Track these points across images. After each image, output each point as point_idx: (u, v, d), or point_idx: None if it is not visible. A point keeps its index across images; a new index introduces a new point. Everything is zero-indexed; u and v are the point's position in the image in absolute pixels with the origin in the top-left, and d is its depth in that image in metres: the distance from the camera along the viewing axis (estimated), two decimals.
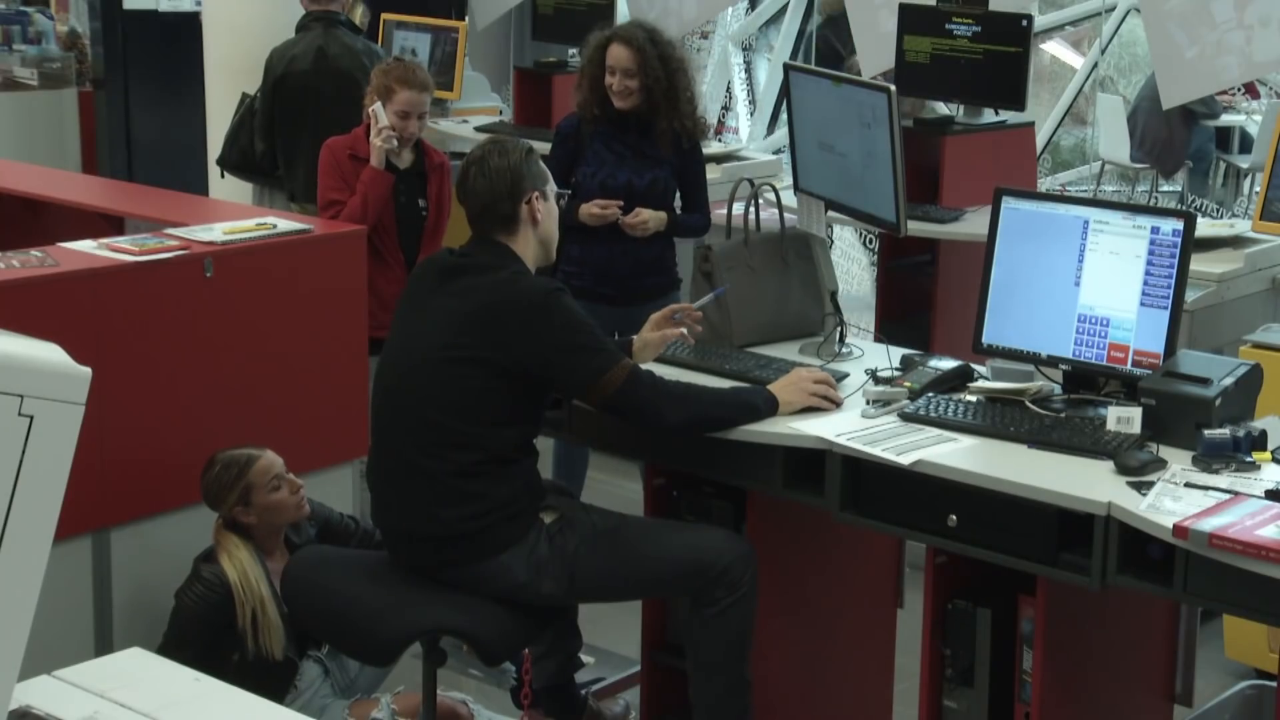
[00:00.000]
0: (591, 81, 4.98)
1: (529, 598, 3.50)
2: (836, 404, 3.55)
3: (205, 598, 3.76)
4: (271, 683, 3.68)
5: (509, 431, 3.45)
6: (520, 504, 3.48)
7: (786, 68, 4.44)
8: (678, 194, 5.09)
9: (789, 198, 4.43)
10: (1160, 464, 3.17)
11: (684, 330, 3.80)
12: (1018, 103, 5.90)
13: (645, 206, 4.94)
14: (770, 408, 3.51)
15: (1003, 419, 3.40)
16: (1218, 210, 10.60)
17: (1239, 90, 11.29)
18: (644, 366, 3.65)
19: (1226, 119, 11.40)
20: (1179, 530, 2.88)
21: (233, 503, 3.83)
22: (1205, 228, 4.95)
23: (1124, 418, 3.29)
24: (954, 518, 3.26)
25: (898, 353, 3.81)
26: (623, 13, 7.63)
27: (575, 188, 4.94)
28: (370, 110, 5.10)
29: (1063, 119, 11.73)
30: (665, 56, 4.95)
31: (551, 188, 3.62)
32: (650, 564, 3.54)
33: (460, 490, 3.42)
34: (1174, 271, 3.38)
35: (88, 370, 2.01)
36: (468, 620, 3.46)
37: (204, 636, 3.75)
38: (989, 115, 6.08)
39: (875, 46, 6.68)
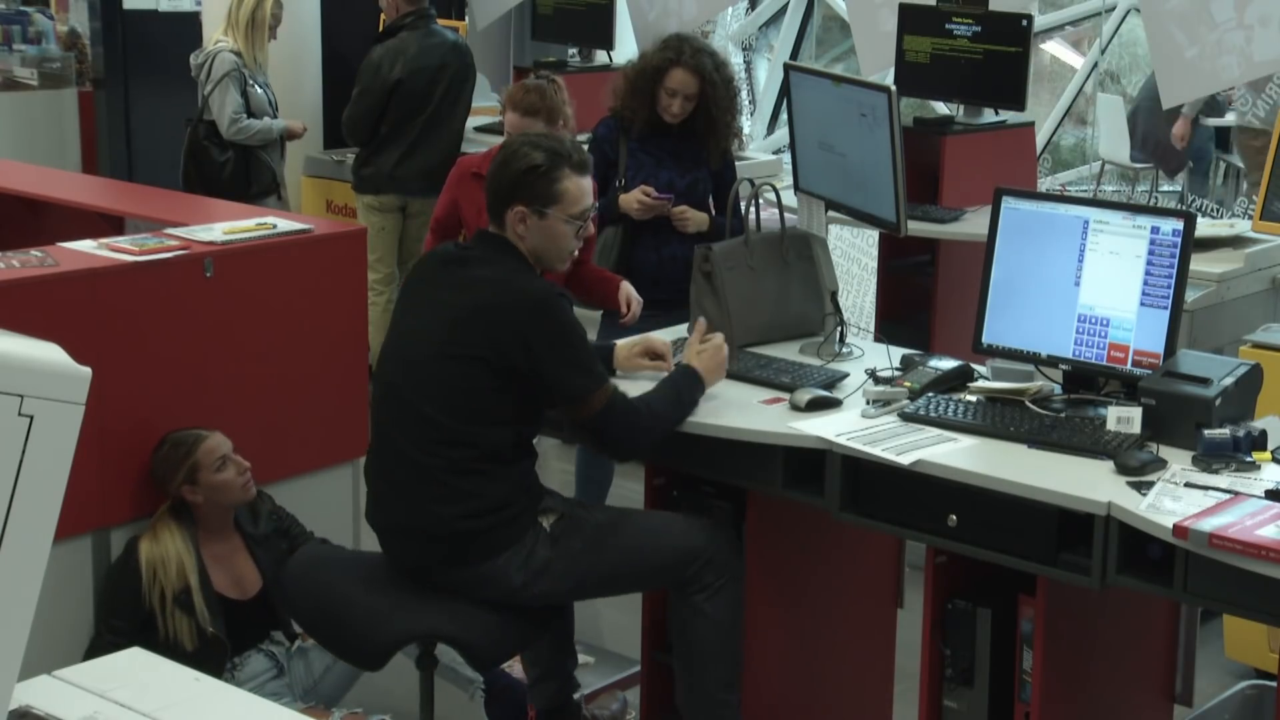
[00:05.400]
0: (643, 94, 5.07)
1: (524, 601, 3.49)
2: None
3: (116, 567, 3.83)
4: (198, 666, 3.65)
5: (505, 431, 3.44)
6: (518, 506, 3.47)
7: (787, 68, 4.44)
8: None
9: (789, 198, 4.44)
10: (1160, 464, 3.17)
11: (663, 365, 3.82)
12: (1018, 103, 5.91)
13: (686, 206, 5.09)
14: (702, 391, 3.62)
15: (1003, 419, 3.40)
16: (1218, 210, 10.60)
17: (1240, 90, 11.28)
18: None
19: (1227, 119, 11.40)
20: (1179, 530, 2.88)
21: (180, 481, 3.86)
22: (1205, 228, 4.95)
23: (1124, 418, 3.29)
24: (954, 518, 3.26)
25: (898, 353, 3.81)
26: (622, 13, 7.63)
27: (617, 191, 5.03)
28: None
29: (1063, 119, 11.74)
30: (727, 83, 5.12)
31: (561, 210, 3.49)
32: (650, 554, 3.56)
33: (456, 488, 3.41)
34: (1174, 271, 3.38)
35: (88, 370, 2.01)
36: (460, 626, 3.45)
37: (111, 605, 3.82)
38: (989, 115, 6.08)
39: (875, 46, 6.68)
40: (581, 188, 3.53)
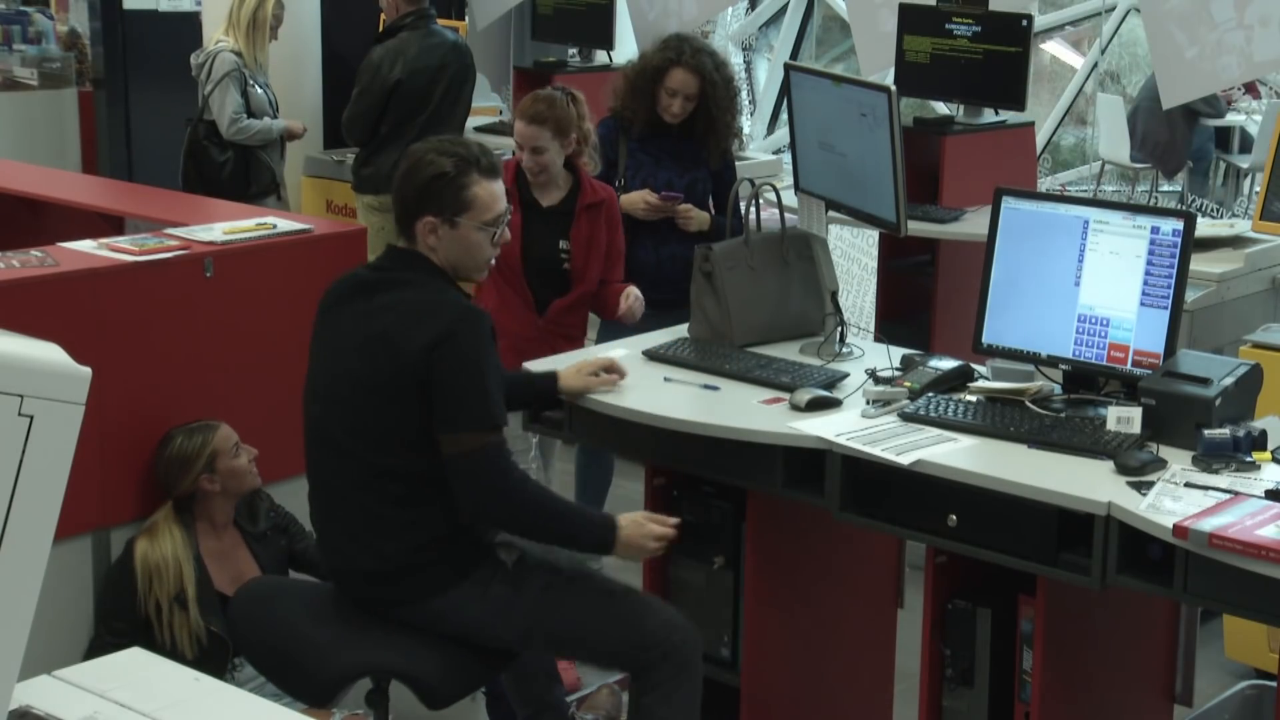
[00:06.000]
0: (643, 94, 5.10)
1: (480, 641, 3.38)
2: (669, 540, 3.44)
3: (116, 568, 3.83)
4: (199, 666, 3.65)
5: (432, 456, 3.29)
6: (468, 536, 3.36)
7: (787, 68, 4.44)
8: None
9: (789, 198, 4.44)
10: (1160, 464, 3.17)
11: (615, 379, 3.69)
12: (1018, 103, 5.91)
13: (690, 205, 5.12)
14: (599, 549, 3.41)
15: (1003, 419, 3.40)
16: (1218, 210, 10.61)
17: (1240, 90, 11.30)
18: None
19: (1227, 119, 11.41)
20: (1179, 530, 2.88)
21: (199, 471, 3.86)
22: (1205, 228, 4.96)
23: (1124, 418, 3.29)
24: (954, 518, 3.26)
25: (898, 353, 3.81)
26: (622, 13, 7.63)
27: (617, 191, 5.04)
28: None
29: (1063, 119, 11.75)
30: (727, 83, 5.15)
31: (474, 218, 3.36)
32: (605, 620, 3.38)
33: (397, 520, 3.30)
34: (1174, 271, 3.38)
35: (88, 370, 2.01)
36: (411, 661, 3.34)
37: (110, 606, 3.82)
38: (989, 115, 6.08)
39: (875, 46, 6.68)
40: (492, 193, 3.38)
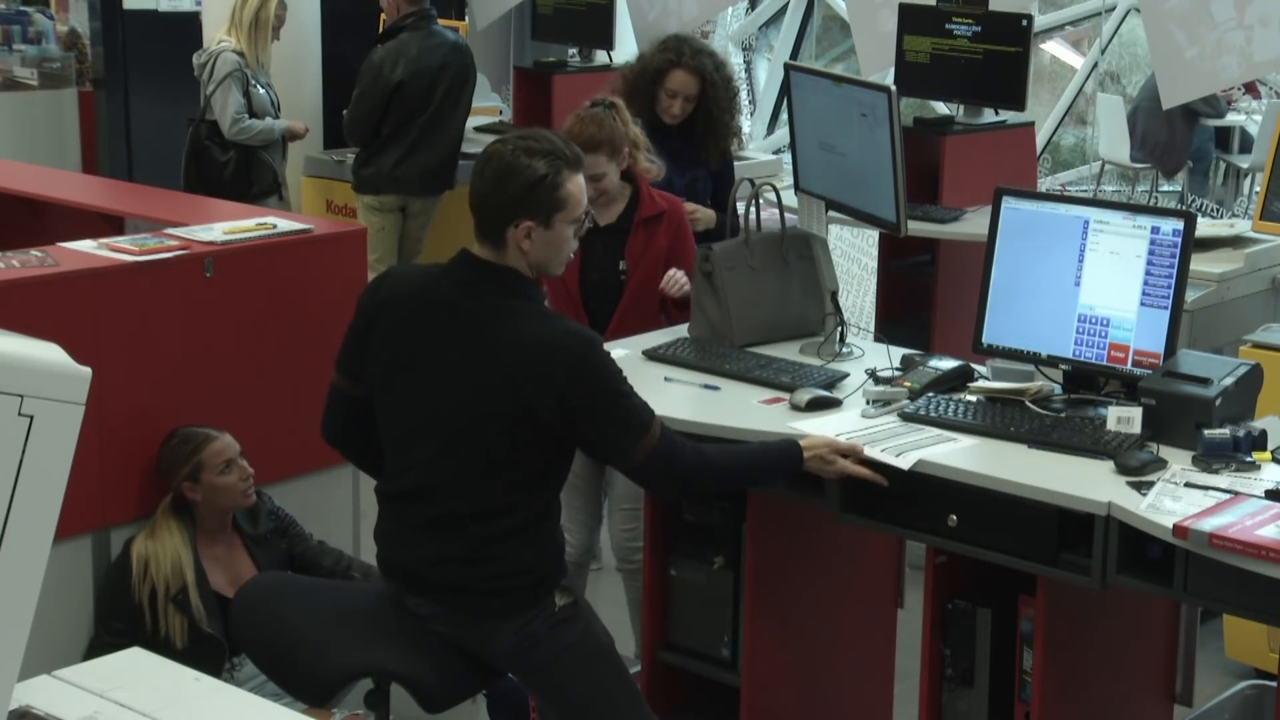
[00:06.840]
0: (642, 95, 5.07)
1: (498, 664, 3.37)
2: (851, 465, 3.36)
3: (114, 568, 3.84)
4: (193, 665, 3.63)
5: (538, 493, 3.28)
6: (542, 572, 3.33)
7: (787, 67, 4.44)
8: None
9: (789, 198, 4.44)
10: (1160, 464, 3.17)
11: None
12: (1018, 103, 5.92)
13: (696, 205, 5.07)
14: (790, 473, 3.39)
15: (1003, 419, 3.40)
16: (1218, 210, 10.61)
17: (1240, 90, 11.30)
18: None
19: (1227, 119, 11.42)
20: (1179, 530, 2.88)
21: (183, 477, 3.87)
22: (1205, 228, 4.96)
23: (1124, 418, 3.29)
24: (954, 518, 3.26)
25: (898, 353, 3.81)
26: (622, 13, 7.64)
27: None
28: None
29: (1063, 119, 11.76)
30: (727, 83, 5.12)
31: (566, 216, 3.24)
32: (600, 705, 3.38)
33: (486, 554, 3.27)
34: (1174, 271, 3.38)
35: (88, 370, 2.01)
36: (411, 664, 3.32)
37: (109, 605, 3.82)
38: (989, 115, 6.09)
39: (875, 46, 6.69)
40: (581, 187, 3.28)
